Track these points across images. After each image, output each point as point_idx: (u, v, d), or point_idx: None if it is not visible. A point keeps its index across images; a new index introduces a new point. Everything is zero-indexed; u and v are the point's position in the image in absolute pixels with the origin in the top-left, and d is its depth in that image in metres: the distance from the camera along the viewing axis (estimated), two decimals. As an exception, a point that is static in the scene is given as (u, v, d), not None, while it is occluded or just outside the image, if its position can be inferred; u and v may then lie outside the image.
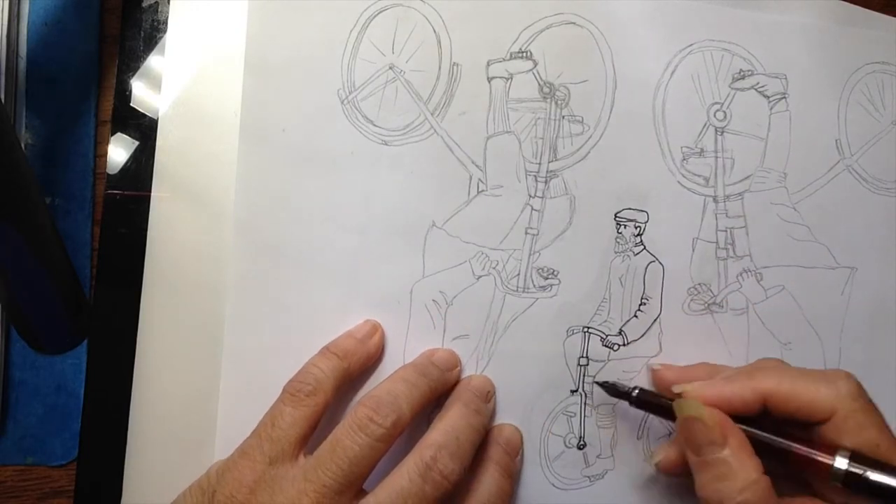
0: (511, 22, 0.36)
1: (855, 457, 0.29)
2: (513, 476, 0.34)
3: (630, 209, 0.37)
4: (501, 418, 0.36)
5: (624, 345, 0.37)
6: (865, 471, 0.29)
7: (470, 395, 0.33)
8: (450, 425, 0.31)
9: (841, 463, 0.29)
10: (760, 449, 0.30)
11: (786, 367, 0.33)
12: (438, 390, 0.33)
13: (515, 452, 0.35)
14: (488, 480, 0.32)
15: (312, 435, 0.31)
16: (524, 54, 0.36)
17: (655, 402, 0.33)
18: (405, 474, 0.29)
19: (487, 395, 0.35)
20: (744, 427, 0.31)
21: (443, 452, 0.29)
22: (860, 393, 0.31)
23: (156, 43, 0.36)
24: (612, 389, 0.35)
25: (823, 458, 0.29)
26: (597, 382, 0.36)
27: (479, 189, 0.36)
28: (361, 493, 0.29)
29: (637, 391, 0.34)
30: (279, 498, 0.28)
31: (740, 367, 0.35)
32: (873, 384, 0.39)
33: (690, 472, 0.31)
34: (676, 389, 0.32)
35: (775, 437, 0.31)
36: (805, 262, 0.39)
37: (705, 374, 0.35)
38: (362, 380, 0.35)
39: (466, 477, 0.32)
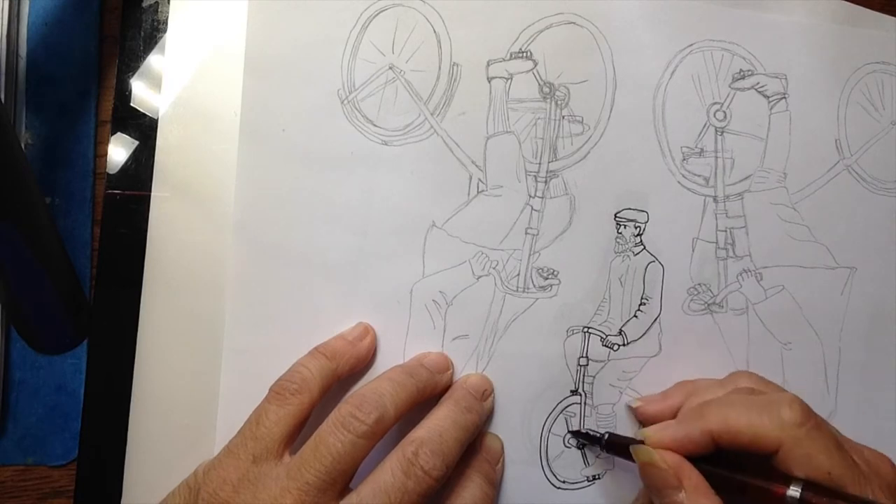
0: (511, 22, 0.36)
1: (809, 486, 0.29)
2: (495, 484, 0.34)
3: (630, 209, 0.37)
4: (501, 418, 0.36)
5: (624, 345, 0.37)
6: (818, 502, 0.28)
7: (462, 393, 0.34)
8: (435, 422, 0.31)
9: (794, 493, 0.29)
10: (721, 485, 0.30)
11: (736, 397, 0.33)
12: (426, 392, 0.33)
13: (496, 460, 0.35)
14: (472, 488, 0.32)
15: (298, 434, 0.31)
16: (524, 54, 0.36)
17: (623, 446, 0.34)
18: (388, 470, 0.29)
19: (484, 394, 0.35)
20: (701, 465, 0.31)
21: (425, 448, 0.29)
22: (805, 419, 0.30)
23: (156, 43, 0.36)
24: (585, 437, 0.36)
25: (778, 489, 0.29)
26: (570, 432, 0.37)
27: (479, 189, 0.36)
28: (346, 491, 0.29)
29: (607, 436, 0.35)
30: (262, 496, 0.28)
31: (706, 394, 0.34)
32: (873, 384, 0.40)
33: None
34: (638, 435, 0.33)
35: (731, 474, 0.31)
36: (805, 262, 0.39)
37: (682, 398, 0.35)
38: (356, 382, 0.35)
39: (449, 486, 0.32)
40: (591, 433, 0.36)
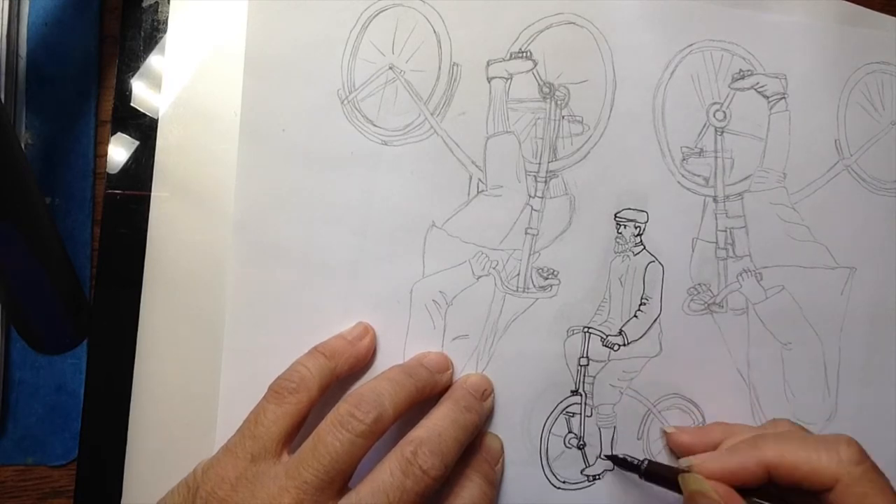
0: (511, 22, 0.36)
1: None
2: (494, 484, 0.34)
3: (630, 209, 0.37)
4: (501, 418, 0.36)
5: (624, 345, 0.37)
6: None
7: (462, 393, 0.34)
8: (434, 422, 0.31)
9: None
10: None
11: (791, 433, 0.33)
12: (426, 391, 0.33)
13: (496, 460, 0.35)
14: (471, 487, 0.32)
15: (297, 433, 0.31)
16: (524, 54, 0.36)
17: (663, 475, 0.33)
18: (387, 469, 0.29)
19: (484, 394, 0.35)
20: (751, 499, 0.31)
21: (423, 448, 0.29)
22: (862, 458, 0.30)
23: (156, 43, 0.36)
24: (622, 462, 0.35)
25: None
26: (606, 456, 0.36)
27: (479, 189, 0.36)
28: (345, 490, 0.29)
29: (646, 463, 0.34)
30: (260, 494, 0.28)
31: (747, 434, 0.34)
32: (873, 384, 0.40)
33: None
34: (684, 463, 0.33)
35: None
36: (805, 262, 0.39)
37: (719, 436, 0.35)
38: (356, 382, 0.35)
39: (448, 485, 0.32)
40: (629, 459, 0.35)
